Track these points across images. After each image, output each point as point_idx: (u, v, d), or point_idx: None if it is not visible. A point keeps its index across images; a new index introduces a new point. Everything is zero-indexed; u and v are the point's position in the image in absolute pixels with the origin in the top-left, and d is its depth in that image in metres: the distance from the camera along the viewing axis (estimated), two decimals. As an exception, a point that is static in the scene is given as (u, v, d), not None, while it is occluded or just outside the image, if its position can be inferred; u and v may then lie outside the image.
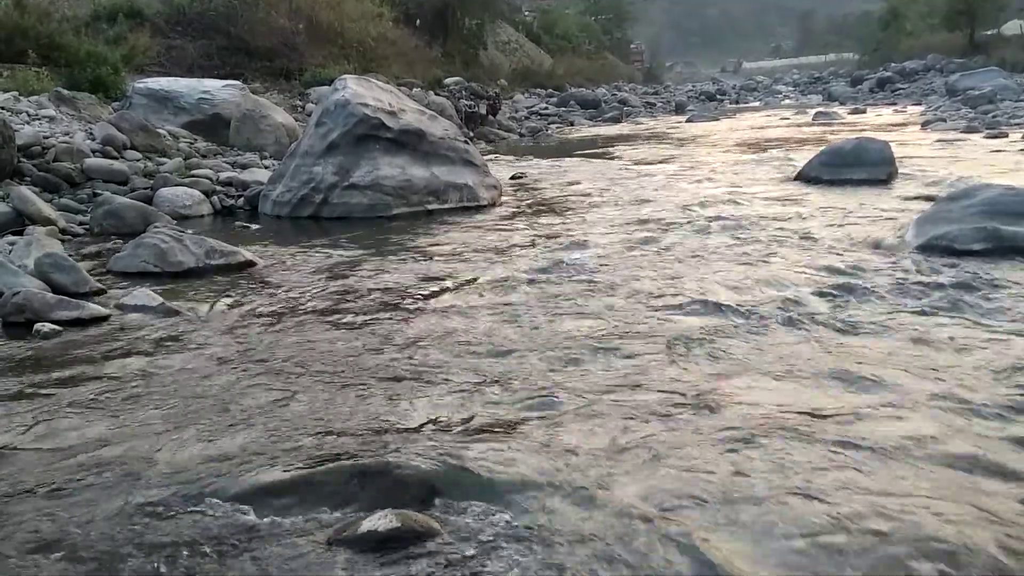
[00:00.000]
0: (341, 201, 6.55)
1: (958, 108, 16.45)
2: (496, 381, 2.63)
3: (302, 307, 3.73)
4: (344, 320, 3.48)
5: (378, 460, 2.01)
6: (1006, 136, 10.60)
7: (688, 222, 5.53)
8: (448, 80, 18.53)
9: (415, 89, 15.07)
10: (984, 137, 10.86)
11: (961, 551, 1.62)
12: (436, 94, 15.37)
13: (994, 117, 13.57)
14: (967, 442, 2.10)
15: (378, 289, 4.02)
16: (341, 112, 6.81)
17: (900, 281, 3.71)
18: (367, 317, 3.51)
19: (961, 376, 2.54)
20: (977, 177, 6.84)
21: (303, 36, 15.18)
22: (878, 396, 2.42)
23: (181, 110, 9.42)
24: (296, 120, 10.35)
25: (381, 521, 1.73)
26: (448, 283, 4.10)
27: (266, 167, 8.11)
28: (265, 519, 1.82)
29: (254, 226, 6.21)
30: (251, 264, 4.65)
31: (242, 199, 7.11)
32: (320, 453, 2.10)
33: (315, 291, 4.03)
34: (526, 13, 34.61)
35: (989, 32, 34.86)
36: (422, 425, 2.29)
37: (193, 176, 7.29)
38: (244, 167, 8.08)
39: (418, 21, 23.91)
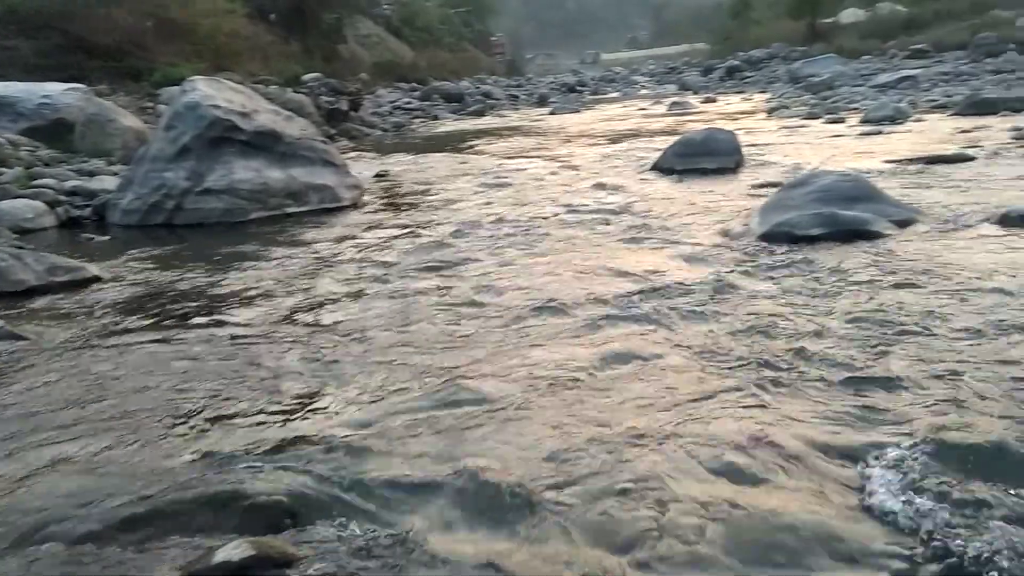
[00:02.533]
0: (195, 207, 6.33)
1: (801, 95, 17.30)
2: (349, 396, 2.60)
3: (148, 325, 3.58)
4: (194, 338, 3.36)
5: (231, 486, 1.96)
6: (843, 121, 11.23)
7: (549, 215, 5.62)
8: (307, 76, 18.13)
9: (271, 87, 14.69)
10: (824, 123, 11.46)
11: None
12: (294, 91, 15.01)
13: (833, 103, 14.34)
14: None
15: (231, 301, 3.90)
16: (191, 115, 6.58)
17: (743, 268, 3.88)
18: (219, 332, 3.40)
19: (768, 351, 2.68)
20: (818, 163, 7.24)
21: (151, 33, 14.53)
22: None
23: (20, 116, 8.85)
24: (146, 123, 9.91)
25: (235, 551, 1.69)
26: (303, 292, 4.01)
27: (115, 174, 7.74)
28: (113, 556, 1.74)
29: (102, 237, 5.93)
30: (98, 279, 4.44)
31: (89, 209, 6.76)
32: (170, 483, 2.03)
33: (163, 307, 3.88)
34: (385, 6, 34.23)
35: (828, 20, 36.78)
36: (276, 447, 2.25)
37: (35, 186, 6.88)
38: (91, 175, 7.69)
39: (272, 16, 23.29)
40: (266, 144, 6.73)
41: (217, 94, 6.82)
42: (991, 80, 16.90)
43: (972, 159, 6.92)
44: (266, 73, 17.03)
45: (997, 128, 9.02)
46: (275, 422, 2.42)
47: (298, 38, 22.79)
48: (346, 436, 2.27)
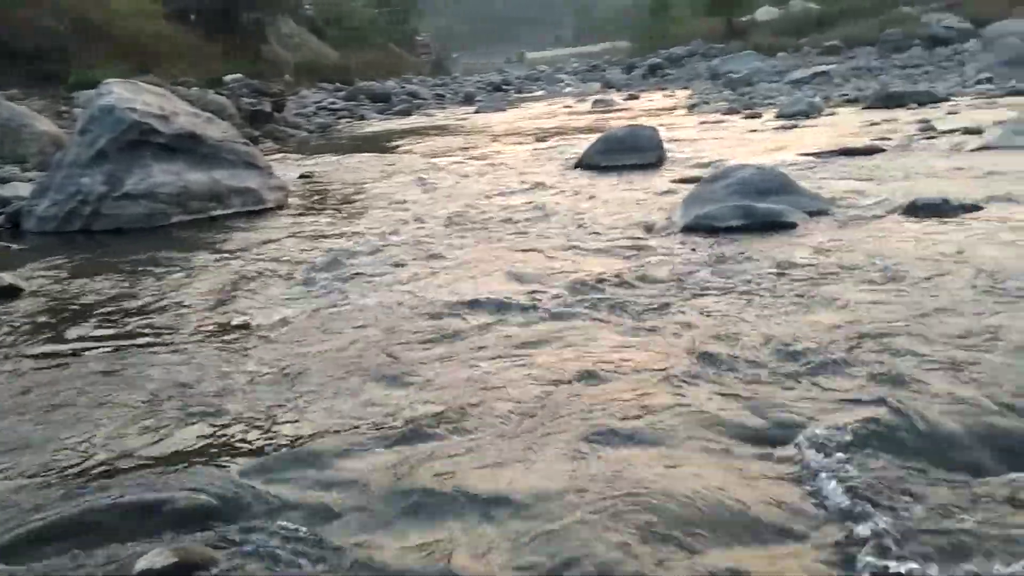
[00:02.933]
0: (114, 212, 6.19)
1: (720, 91, 17.70)
2: (270, 400, 2.60)
3: (67, 337, 3.50)
4: (110, 347, 3.31)
5: (152, 493, 1.95)
6: (761, 116, 11.54)
7: (474, 214, 5.66)
8: (228, 78, 17.86)
9: (193, 89, 14.41)
10: (743, 118, 11.76)
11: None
12: (216, 93, 14.76)
13: (751, 99, 14.71)
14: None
15: (148, 310, 3.83)
16: (108, 118, 6.43)
17: (666, 260, 3.98)
18: (136, 342, 3.35)
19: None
20: (736, 157, 7.44)
21: (70, 35, 14.12)
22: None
23: (-69, 123, 8.56)
24: (62, 128, 9.65)
25: (157, 558, 1.68)
26: (223, 298, 3.96)
27: (30, 180, 7.54)
28: (29, 571, 1.72)
29: (17, 246, 5.77)
30: (15, 290, 4.32)
31: (3, 216, 6.56)
32: (91, 492, 2.00)
33: (80, 318, 3.79)
34: (307, 7, 33.83)
35: (745, 18, 37.65)
36: (198, 452, 2.24)
37: (-55, 195, 6.67)
38: (4, 181, 7.50)
39: (193, 17, 22.84)
40: (186, 147, 6.62)
41: (134, 96, 6.68)
42: (899, 74, 17.54)
43: (882, 151, 7.19)
44: (187, 75, 16.70)
45: (904, 121, 9.38)
46: (196, 428, 2.40)
47: (220, 39, 22.39)
48: (269, 440, 2.28)
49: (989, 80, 13.76)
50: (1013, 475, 1.86)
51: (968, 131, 7.84)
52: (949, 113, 9.98)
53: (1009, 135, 6.95)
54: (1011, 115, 8.57)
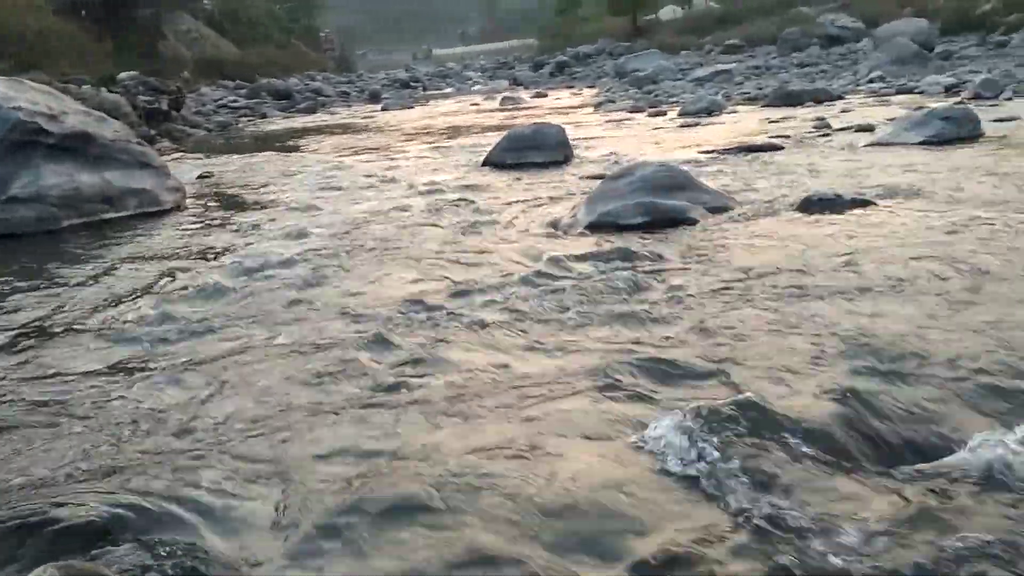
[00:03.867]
0: (2, 217, 5.89)
1: (626, 89, 17.98)
2: (159, 411, 2.51)
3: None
4: None
5: (39, 510, 1.85)
6: (665, 114, 11.76)
7: (378, 213, 5.58)
8: (122, 75, 17.24)
9: (84, 87, 13.86)
10: (648, 116, 11.97)
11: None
12: (109, 91, 14.22)
13: (656, 97, 14.99)
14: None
15: (29, 319, 3.65)
16: (-9, 118, 6.11)
17: (570, 258, 3.98)
18: (10, 353, 3.19)
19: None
20: (640, 155, 7.55)
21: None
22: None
23: None
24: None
25: (42, 577, 1.60)
26: (111, 304, 3.79)
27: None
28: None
29: None
30: None
31: None
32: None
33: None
34: (205, 2, 32.94)
35: (649, 17, 38.37)
36: (87, 470, 2.13)
37: None
38: None
39: (83, 12, 21.99)
40: (77, 147, 6.34)
41: (19, 95, 6.37)
42: (797, 73, 18.14)
43: (780, 148, 7.41)
44: (78, 73, 16.05)
45: (801, 118, 9.69)
46: (83, 443, 2.29)
47: (113, 35, 21.62)
48: (159, 454, 2.19)
49: (881, 78, 14.35)
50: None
51: (861, 128, 8.15)
52: (843, 111, 10.36)
53: (898, 131, 7.24)
54: (900, 112, 8.94)
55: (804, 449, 1.96)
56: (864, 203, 4.73)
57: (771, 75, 18.28)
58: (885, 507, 1.73)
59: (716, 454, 1.94)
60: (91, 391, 2.69)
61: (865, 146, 7.15)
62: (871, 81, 14.31)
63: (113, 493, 1.93)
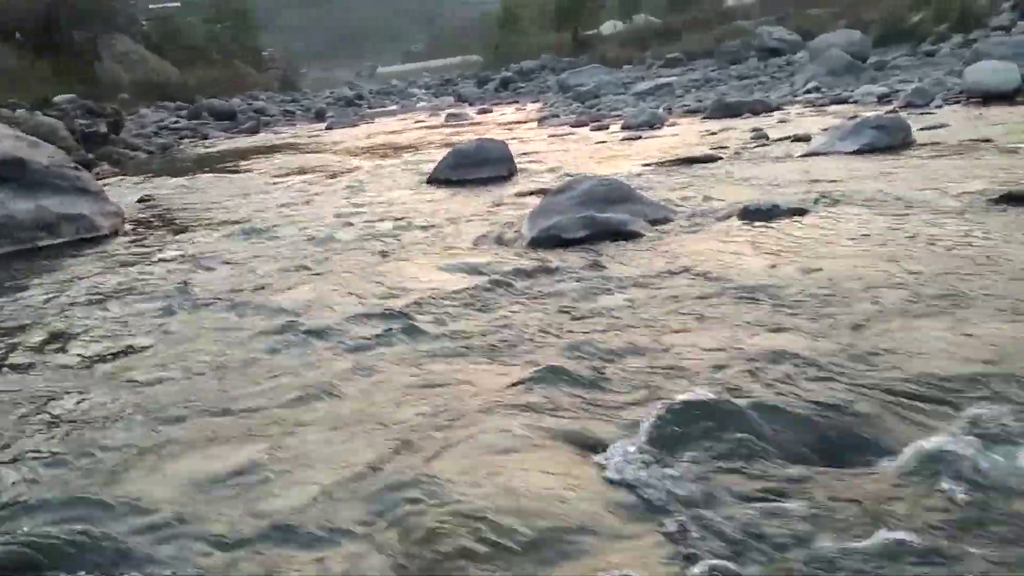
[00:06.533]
0: (-71, 246, 5.74)
1: (570, 103, 18.15)
2: (91, 442, 2.46)
3: None
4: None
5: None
6: (607, 128, 11.88)
7: (322, 233, 5.54)
8: (59, 98, 16.93)
9: (19, 111, 13.59)
10: (591, 130, 12.08)
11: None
12: (44, 115, 13.95)
13: (598, 111, 15.15)
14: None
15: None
16: (-84, 145, 5.96)
17: (513, 273, 4.00)
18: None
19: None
20: (583, 169, 7.62)
21: None
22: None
23: None
24: None
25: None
26: (42, 336, 3.71)
27: None
28: None
29: None
30: None
31: None
32: None
33: None
34: (143, 23, 32.49)
35: (591, 32, 38.78)
36: (14, 501, 2.08)
37: None
38: None
39: (17, 34, 21.55)
40: (10, 173, 6.21)
41: (-54, 121, 6.23)
42: (736, 85, 18.48)
43: (719, 159, 7.53)
44: (13, 97, 15.72)
45: (740, 130, 9.87)
46: (12, 476, 2.24)
47: (48, 58, 21.21)
48: (88, 484, 2.15)
49: (817, 89, 14.70)
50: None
51: (797, 138, 8.32)
52: (780, 121, 10.58)
53: (833, 141, 7.42)
54: (835, 122, 9.15)
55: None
56: (800, 211, 4.82)
57: (711, 87, 18.60)
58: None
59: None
60: None
61: (801, 156, 7.30)
62: (807, 92, 14.64)
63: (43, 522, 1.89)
